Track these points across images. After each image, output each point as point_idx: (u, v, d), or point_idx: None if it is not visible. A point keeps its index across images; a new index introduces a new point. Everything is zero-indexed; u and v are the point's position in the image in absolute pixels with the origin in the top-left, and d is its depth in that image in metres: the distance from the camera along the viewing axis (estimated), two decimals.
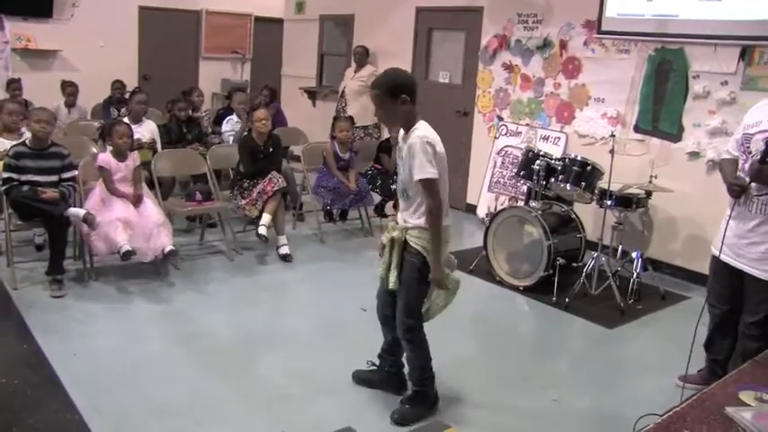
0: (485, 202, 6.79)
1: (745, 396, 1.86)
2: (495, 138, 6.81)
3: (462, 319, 4.70)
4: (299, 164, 6.38)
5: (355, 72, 7.86)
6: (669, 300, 4.90)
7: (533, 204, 5.01)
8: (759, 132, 3.03)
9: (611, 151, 4.63)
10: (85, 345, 3.69)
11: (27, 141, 4.53)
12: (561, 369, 3.86)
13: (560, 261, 4.73)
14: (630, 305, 4.70)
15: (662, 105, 5.49)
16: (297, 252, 5.39)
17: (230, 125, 6.57)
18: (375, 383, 3.37)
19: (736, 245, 3.15)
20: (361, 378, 3.41)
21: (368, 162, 6.51)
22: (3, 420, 2.90)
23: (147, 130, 5.86)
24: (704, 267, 3.44)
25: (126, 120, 5.93)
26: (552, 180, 4.98)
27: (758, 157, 2.91)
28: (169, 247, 4.56)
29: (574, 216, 5.16)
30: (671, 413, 1.76)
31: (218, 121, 6.98)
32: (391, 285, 3.04)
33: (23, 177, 4.40)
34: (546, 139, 6.33)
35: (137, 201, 4.62)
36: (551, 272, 4.75)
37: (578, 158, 4.91)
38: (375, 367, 3.40)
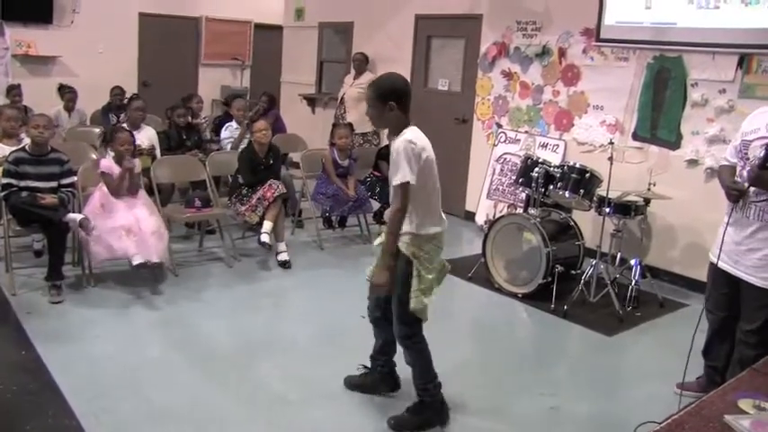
0: (483, 210, 6.80)
1: (744, 404, 1.86)
2: (494, 145, 6.82)
3: (461, 325, 4.71)
4: (298, 170, 6.39)
5: (354, 79, 7.87)
6: (667, 307, 4.90)
7: (532, 211, 5.01)
8: (757, 139, 3.04)
9: (610, 159, 4.64)
10: (84, 350, 3.69)
11: (27, 147, 4.54)
12: (560, 376, 3.85)
13: (559, 268, 4.73)
14: (629, 312, 4.70)
15: (660, 113, 5.51)
16: (296, 259, 5.39)
17: (229, 132, 6.58)
18: (367, 388, 3.38)
19: (733, 251, 3.15)
20: (353, 383, 3.42)
21: (367, 169, 6.52)
22: (1, 426, 2.90)
23: (146, 137, 5.87)
24: (702, 275, 3.45)
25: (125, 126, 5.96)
26: (551, 187, 4.98)
27: (757, 162, 2.92)
28: (155, 260, 4.50)
29: (572, 223, 5.17)
30: (669, 421, 1.76)
31: (216, 128, 6.98)
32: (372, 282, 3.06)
33: (22, 183, 4.40)
34: (545, 146, 6.34)
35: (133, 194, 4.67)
36: (550, 279, 4.75)
37: (577, 166, 4.92)
38: (366, 371, 3.40)
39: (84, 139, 6.33)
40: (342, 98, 7.96)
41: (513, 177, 5.76)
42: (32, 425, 2.94)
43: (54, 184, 4.51)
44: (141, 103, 6.10)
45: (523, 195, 5.77)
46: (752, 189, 3.03)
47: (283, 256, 5.33)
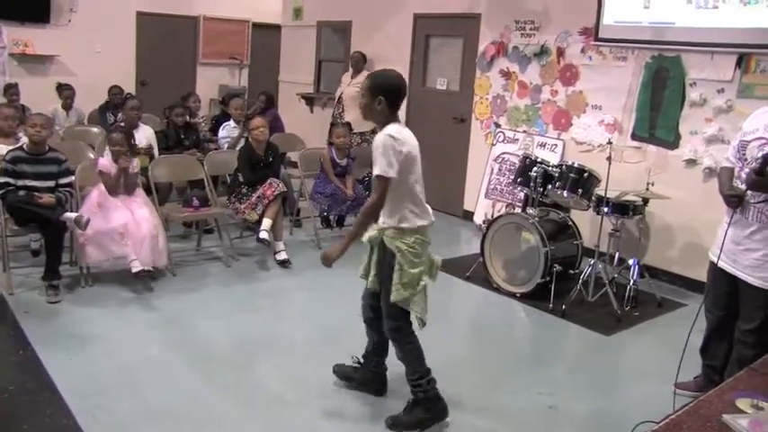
0: (482, 209, 6.80)
1: (742, 403, 1.86)
2: (493, 144, 6.82)
3: (459, 325, 4.71)
4: (296, 170, 6.38)
5: (352, 78, 7.87)
6: (666, 307, 4.91)
7: (530, 211, 5.01)
8: (755, 140, 3.05)
9: (609, 158, 4.64)
10: (81, 350, 3.68)
11: (24, 146, 4.53)
12: (558, 376, 3.85)
13: (557, 268, 4.73)
14: (627, 312, 4.70)
15: (659, 113, 5.51)
16: (294, 258, 5.39)
17: (227, 131, 6.57)
18: (355, 382, 3.38)
19: (732, 251, 3.16)
20: (343, 374, 3.42)
21: (365, 168, 6.50)
22: None
23: (143, 136, 5.86)
24: (701, 275, 3.45)
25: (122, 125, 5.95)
26: (549, 187, 4.98)
27: (756, 166, 2.92)
28: (150, 267, 4.52)
29: (571, 223, 5.17)
30: (667, 420, 1.76)
31: (214, 128, 6.98)
32: (369, 285, 3.11)
33: (20, 182, 4.40)
34: (543, 146, 6.34)
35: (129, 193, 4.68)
36: (548, 279, 4.75)
37: (575, 165, 4.92)
38: (359, 365, 3.41)
39: (83, 138, 6.33)
40: (339, 97, 7.96)
41: (512, 177, 5.76)
42: (30, 424, 2.93)
43: (51, 183, 4.50)
44: (137, 102, 6.09)
45: (522, 195, 5.77)
46: (749, 192, 3.03)
47: (282, 255, 5.33)
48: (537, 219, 4.87)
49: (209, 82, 10.59)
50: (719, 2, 5.01)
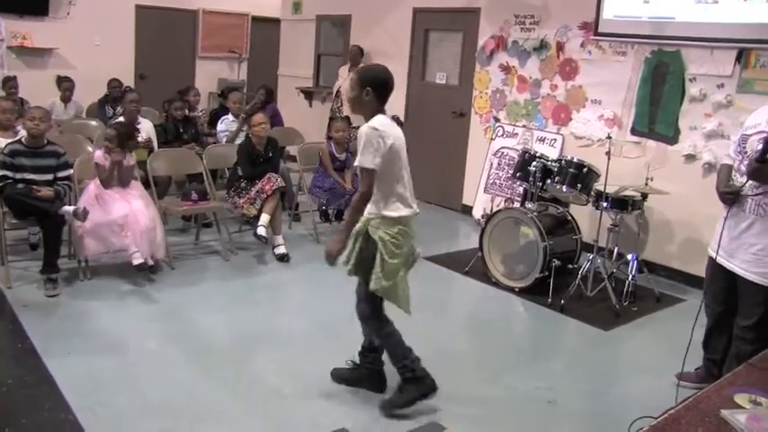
0: (481, 204, 6.80)
1: (740, 399, 1.86)
2: (492, 139, 6.81)
3: (457, 319, 4.72)
4: (295, 164, 6.38)
5: (349, 71, 7.85)
6: (664, 302, 4.91)
7: (529, 206, 5.01)
8: (756, 134, 3.06)
9: (608, 153, 4.64)
10: (80, 344, 3.68)
11: (23, 139, 4.52)
12: (556, 370, 3.86)
13: (556, 263, 4.73)
14: (626, 307, 4.71)
15: (658, 108, 5.50)
16: (292, 252, 5.38)
17: (225, 125, 6.56)
18: (354, 382, 3.38)
19: (730, 246, 3.16)
20: (340, 377, 3.42)
21: None
22: None
23: (143, 130, 5.85)
24: (699, 270, 3.45)
25: (122, 119, 5.94)
26: (548, 182, 4.98)
27: (755, 155, 2.93)
28: (147, 261, 4.53)
29: (570, 218, 5.17)
30: (666, 415, 1.76)
31: (212, 121, 6.97)
32: (348, 271, 3.13)
33: (18, 176, 4.39)
34: (542, 140, 6.33)
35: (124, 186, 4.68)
36: (547, 273, 4.75)
37: (574, 160, 4.91)
38: (355, 366, 3.41)
39: (81, 131, 6.31)
40: (337, 91, 7.95)
41: (511, 171, 5.75)
42: (28, 418, 2.93)
43: (50, 176, 4.49)
44: (136, 95, 6.08)
45: (521, 189, 5.76)
46: (749, 183, 3.04)
47: (281, 250, 5.32)
48: (536, 213, 4.87)
49: (209, 76, 10.57)
50: None
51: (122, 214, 4.45)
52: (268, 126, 5.58)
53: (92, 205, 4.46)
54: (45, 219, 4.32)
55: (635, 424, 2.12)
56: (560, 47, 6.17)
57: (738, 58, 4.98)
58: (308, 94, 9.32)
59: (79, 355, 3.55)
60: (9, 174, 4.37)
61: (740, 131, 3.23)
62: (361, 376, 3.38)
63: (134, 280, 4.63)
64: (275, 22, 10.07)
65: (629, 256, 4.93)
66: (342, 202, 5.90)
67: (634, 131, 5.68)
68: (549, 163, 5.02)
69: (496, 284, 5.02)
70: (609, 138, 4.85)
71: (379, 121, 2.96)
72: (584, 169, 4.85)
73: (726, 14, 4.98)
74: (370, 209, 3.03)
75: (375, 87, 2.98)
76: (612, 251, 5.04)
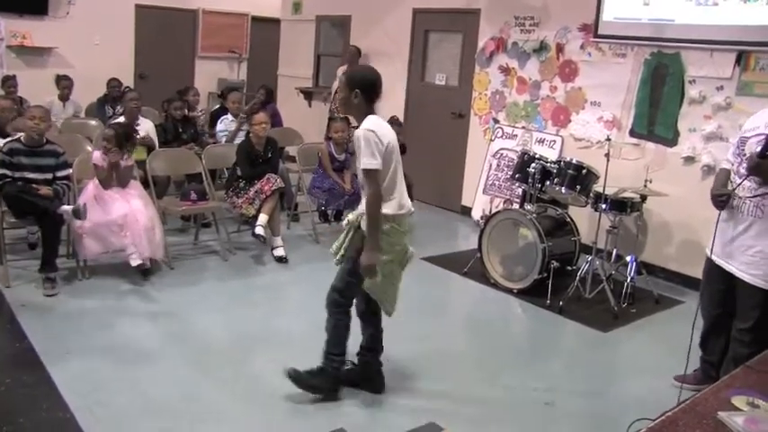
0: (480, 205, 6.80)
1: (738, 401, 1.87)
2: (491, 140, 6.81)
3: (456, 320, 4.72)
4: (294, 164, 6.38)
5: None
6: (663, 304, 4.91)
7: (528, 207, 5.01)
8: (755, 136, 3.08)
9: (607, 155, 4.64)
10: (79, 344, 3.67)
11: (21, 138, 4.52)
12: (555, 372, 3.86)
13: (555, 264, 4.73)
14: (624, 309, 4.71)
15: (658, 110, 5.51)
16: (291, 253, 5.38)
17: (224, 125, 6.56)
18: (353, 382, 3.38)
19: (728, 248, 3.17)
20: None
21: None
22: None
23: (143, 130, 5.83)
24: (698, 272, 3.46)
25: (122, 119, 5.95)
26: (547, 183, 4.98)
27: (758, 150, 2.94)
28: (148, 263, 4.59)
29: (568, 219, 5.17)
30: (663, 418, 1.76)
31: (213, 122, 6.96)
32: (335, 260, 3.20)
33: (17, 174, 4.39)
34: (541, 142, 6.33)
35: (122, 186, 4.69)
36: (545, 275, 4.75)
37: (574, 162, 4.91)
38: (353, 367, 3.41)
39: (81, 131, 6.31)
40: (336, 91, 7.95)
41: (510, 173, 5.76)
42: (26, 418, 2.93)
43: (49, 175, 4.49)
44: (136, 94, 6.09)
45: (520, 191, 5.77)
46: (746, 185, 3.04)
47: (280, 251, 5.32)
48: (535, 215, 4.87)
49: (208, 75, 10.56)
50: None
51: (121, 214, 4.45)
52: (269, 126, 5.58)
53: (91, 205, 4.46)
54: (43, 217, 4.32)
55: (633, 426, 2.12)
56: (560, 48, 6.17)
57: (738, 61, 4.98)
58: (308, 95, 9.32)
59: (78, 354, 3.55)
60: (8, 172, 4.36)
61: (739, 134, 3.24)
62: (359, 377, 3.38)
63: (133, 280, 4.63)
64: (275, 22, 10.07)
65: (628, 258, 4.94)
66: (341, 202, 5.90)
67: (633, 133, 5.68)
68: (549, 164, 5.02)
69: (495, 286, 5.02)
70: (608, 139, 4.85)
71: (373, 122, 2.99)
72: (584, 171, 4.86)
73: (725, 17, 4.99)
74: (362, 205, 3.06)
75: (363, 89, 3.00)
76: (611, 253, 5.04)
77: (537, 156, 5.15)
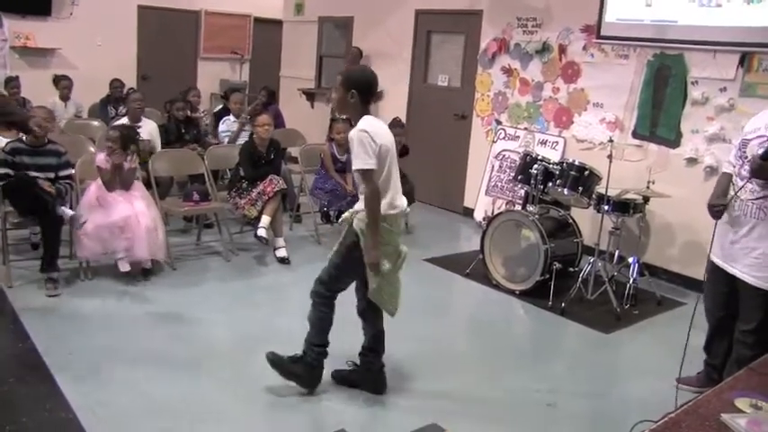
0: (482, 206, 6.79)
1: (741, 403, 1.86)
2: (493, 141, 6.81)
3: (458, 321, 4.72)
4: (297, 165, 6.38)
5: None
6: (665, 305, 4.91)
7: (530, 208, 5.00)
8: (756, 138, 3.08)
9: (609, 156, 4.64)
10: (81, 344, 3.68)
11: (24, 138, 4.53)
12: (557, 373, 3.85)
13: (557, 265, 4.73)
14: (627, 310, 4.70)
15: (660, 111, 5.50)
16: (293, 253, 5.38)
17: (226, 125, 6.57)
18: (355, 383, 3.39)
19: (731, 250, 3.17)
20: (342, 378, 3.43)
21: None
22: None
23: (146, 131, 5.84)
24: (700, 273, 3.45)
25: (125, 119, 5.96)
26: (550, 184, 4.97)
27: (760, 152, 2.94)
28: (148, 265, 4.61)
29: (571, 221, 5.16)
30: (666, 419, 1.76)
31: (217, 123, 6.96)
32: (329, 255, 3.23)
33: (20, 173, 4.38)
34: (544, 143, 6.33)
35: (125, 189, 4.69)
36: (548, 276, 4.75)
37: (576, 163, 4.91)
38: (355, 367, 3.41)
39: (83, 132, 6.32)
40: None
41: (512, 174, 5.75)
42: (29, 417, 2.93)
43: (51, 175, 4.50)
44: (139, 95, 6.10)
45: (522, 192, 5.76)
46: (748, 187, 3.04)
47: (282, 252, 5.32)
48: (537, 216, 4.86)
49: (210, 76, 10.58)
50: (723, 0, 5.00)
51: (123, 216, 4.46)
52: (272, 128, 5.58)
53: (93, 207, 4.47)
54: (44, 216, 4.32)
55: (636, 428, 2.12)
56: (562, 50, 6.17)
57: (741, 62, 4.98)
58: (310, 96, 9.32)
59: (80, 354, 3.55)
60: (10, 172, 4.37)
61: (740, 136, 3.24)
62: (361, 377, 3.38)
63: (135, 280, 4.63)
64: (277, 23, 10.08)
65: (631, 260, 4.93)
66: (343, 203, 5.88)
67: (636, 135, 5.68)
68: (551, 166, 5.01)
69: (497, 287, 5.02)
70: (611, 141, 4.85)
71: (368, 122, 3.01)
72: (586, 172, 4.85)
73: (729, 18, 4.98)
74: (358, 204, 3.08)
75: (359, 89, 3.02)
76: (613, 254, 5.04)
77: (539, 157, 5.14)
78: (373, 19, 8.19)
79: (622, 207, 4.77)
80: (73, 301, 4.25)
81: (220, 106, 7.62)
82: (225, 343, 3.90)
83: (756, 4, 4.82)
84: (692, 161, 5.30)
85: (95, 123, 6.83)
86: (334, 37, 9.10)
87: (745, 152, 3.12)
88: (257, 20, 10.96)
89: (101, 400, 3.12)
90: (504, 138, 6.71)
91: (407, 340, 3.88)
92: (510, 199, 6.49)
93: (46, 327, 3.84)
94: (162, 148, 5.96)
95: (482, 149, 6.93)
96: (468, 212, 7.05)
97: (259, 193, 5.27)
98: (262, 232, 5.16)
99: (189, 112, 6.64)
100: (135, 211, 4.52)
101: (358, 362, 3.42)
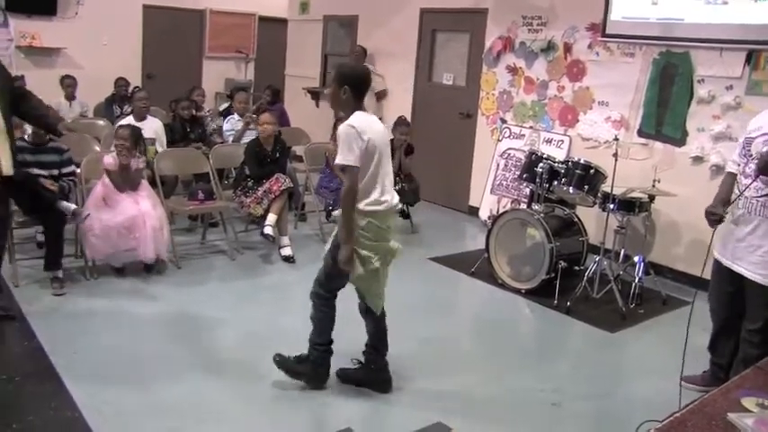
0: (487, 205, 6.78)
1: (748, 402, 1.85)
2: (499, 140, 6.80)
3: (463, 320, 4.71)
4: (302, 164, 6.38)
5: None
6: (670, 304, 4.89)
7: (536, 207, 4.99)
8: (760, 136, 3.09)
9: (615, 155, 4.63)
10: (86, 343, 3.69)
11: (26, 136, 4.55)
12: (562, 372, 3.84)
13: (562, 264, 4.72)
14: (632, 309, 4.69)
15: (666, 109, 5.48)
16: (298, 252, 5.38)
17: (230, 124, 6.58)
18: (360, 382, 3.39)
19: (735, 248, 3.16)
20: (347, 377, 3.43)
21: None
22: (3, 417, 2.90)
23: (150, 129, 5.85)
24: (706, 272, 3.44)
25: (130, 117, 5.97)
26: (555, 183, 4.96)
27: (765, 150, 2.93)
28: (152, 258, 4.62)
29: (576, 219, 5.15)
30: (672, 418, 1.75)
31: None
32: (323, 255, 3.29)
33: (22, 171, 4.39)
34: (549, 141, 6.32)
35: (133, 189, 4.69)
36: (553, 275, 4.74)
37: (581, 162, 4.90)
38: (360, 365, 3.41)
39: (89, 131, 6.33)
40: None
41: (517, 173, 5.74)
42: (35, 416, 2.94)
43: (55, 172, 4.51)
44: (145, 93, 6.12)
45: (527, 191, 5.74)
46: (754, 185, 3.03)
47: (287, 251, 5.32)
48: (542, 215, 4.85)
49: (215, 76, 10.59)
50: None
51: (130, 216, 4.47)
52: (273, 127, 5.55)
53: (100, 206, 4.48)
54: (47, 215, 4.32)
55: (642, 427, 2.11)
56: (568, 48, 6.15)
57: (748, 60, 4.95)
58: (315, 95, 9.32)
59: (86, 353, 3.57)
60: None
61: (744, 135, 3.23)
62: (366, 376, 3.38)
63: (140, 279, 4.64)
64: (282, 22, 10.08)
65: (636, 258, 4.92)
66: None
67: (641, 133, 5.66)
68: (556, 164, 5.00)
69: (503, 286, 5.01)
70: (616, 139, 4.84)
71: (357, 118, 3.02)
72: (591, 171, 4.84)
73: (735, 15, 4.96)
74: None
75: (352, 85, 3.04)
76: (619, 253, 5.02)
77: (544, 156, 5.13)
78: (378, 18, 8.19)
79: (628, 206, 4.75)
80: (78, 300, 4.26)
81: (226, 104, 7.64)
82: (230, 342, 3.90)
83: (763, 2, 4.80)
84: (697, 160, 5.28)
85: (101, 122, 6.84)
86: (339, 36, 9.10)
87: (749, 150, 3.11)
88: (262, 19, 10.96)
89: (106, 398, 3.13)
90: (509, 136, 6.70)
91: (413, 339, 3.87)
92: (515, 197, 6.48)
93: (52, 325, 3.85)
94: (167, 147, 5.97)
95: (487, 148, 6.92)
96: (474, 211, 7.04)
97: (265, 191, 5.27)
98: (269, 230, 5.16)
99: (194, 112, 6.65)
100: (141, 212, 4.53)
101: (362, 359, 3.41)
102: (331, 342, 3.31)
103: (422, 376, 3.56)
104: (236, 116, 6.63)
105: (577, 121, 6.13)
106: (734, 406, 1.83)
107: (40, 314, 3.99)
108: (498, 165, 6.74)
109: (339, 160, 2.99)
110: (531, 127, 6.54)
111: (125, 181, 4.66)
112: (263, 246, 5.45)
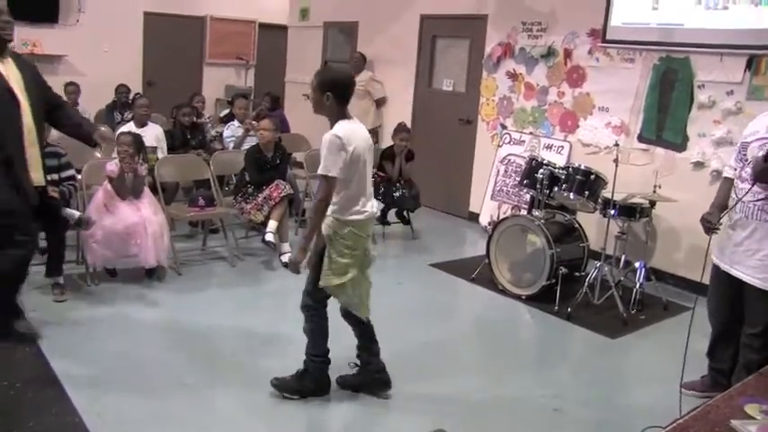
0: (487, 211, 6.78)
1: (751, 409, 1.85)
2: (499, 146, 6.80)
3: (464, 326, 4.71)
4: (302, 170, 6.38)
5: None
6: (672, 310, 4.88)
7: (536, 213, 4.99)
8: (756, 140, 3.09)
9: (615, 161, 4.63)
10: (87, 349, 3.68)
11: None
12: (563, 378, 3.84)
13: (563, 270, 4.71)
14: (633, 315, 4.68)
15: (666, 115, 5.49)
16: None
17: (231, 131, 6.59)
18: (358, 387, 3.38)
19: (734, 253, 3.16)
20: (346, 383, 3.42)
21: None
22: (3, 423, 2.90)
23: (152, 135, 5.86)
24: (705, 277, 3.44)
25: (131, 124, 5.97)
26: (555, 189, 4.96)
27: (761, 154, 2.93)
28: (153, 265, 4.62)
29: (577, 225, 5.15)
30: (674, 425, 1.75)
31: None
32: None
33: None
34: (549, 147, 6.32)
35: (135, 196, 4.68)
36: (554, 281, 4.73)
37: (582, 167, 4.90)
38: (357, 368, 3.41)
39: None
40: None
41: (518, 179, 5.74)
42: (36, 421, 2.93)
43: (55, 176, 4.50)
44: (146, 100, 6.13)
45: (528, 197, 5.75)
46: (755, 188, 3.03)
47: (287, 258, 5.31)
48: (543, 221, 4.85)
49: (216, 82, 10.60)
50: (729, 3, 4.98)
51: (131, 223, 4.47)
52: (272, 133, 5.55)
53: (102, 213, 4.48)
54: (49, 221, 4.31)
55: None
56: (568, 54, 6.16)
57: (749, 65, 4.96)
58: None
59: (86, 359, 3.56)
60: None
61: (740, 139, 3.24)
62: (363, 380, 3.38)
63: (141, 285, 4.64)
64: (282, 28, 10.10)
65: (637, 264, 4.91)
66: None
67: (642, 139, 5.66)
68: (557, 170, 5.00)
69: (503, 292, 5.01)
70: (616, 145, 4.84)
71: (342, 127, 3.01)
72: (592, 176, 4.84)
73: (736, 20, 4.96)
74: (330, 208, 3.10)
75: (334, 91, 3.03)
76: (620, 259, 5.01)
77: (545, 161, 5.13)
78: (378, 24, 8.20)
79: (628, 211, 4.75)
80: (79, 306, 4.26)
81: (227, 111, 7.65)
82: (230, 348, 3.89)
83: (764, 7, 4.81)
84: (698, 165, 5.28)
85: (102, 129, 6.82)
86: (339, 42, 9.12)
87: (745, 155, 3.12)
88: (262, 25, 10.98)
89: (107, 404, 3.12)
90: (509, 142, 6.71)
91: (413, 344, 3.87)
92: (515, 203, 6.48)
93: (53, 332, 3.84)
94: (167, 153, 5.97)
95: (487, 154, 6.92)
96: (474, 217, 7.04)
97: (265, 198, 5.27)
98: (270, 237, 5.16)
99: (195, 118, 6.66)
100: (142, 218, 4.53)
101: (358, 362, 3.41)
102: (328, 352, 3.30)
103: (422, 381, 3.55)
104: (236, 123, 6.63)
105: (578, 126, 6.14)
106: (737, 413, 1.82)
107: (41, 320, 3.98)
108: (498, 171, 6.74)
109: (321, 170, 2.99)
110: (531, 133, 6.55)
111: (128, 188, 4.65)
112: (264, 252, 5.44)
